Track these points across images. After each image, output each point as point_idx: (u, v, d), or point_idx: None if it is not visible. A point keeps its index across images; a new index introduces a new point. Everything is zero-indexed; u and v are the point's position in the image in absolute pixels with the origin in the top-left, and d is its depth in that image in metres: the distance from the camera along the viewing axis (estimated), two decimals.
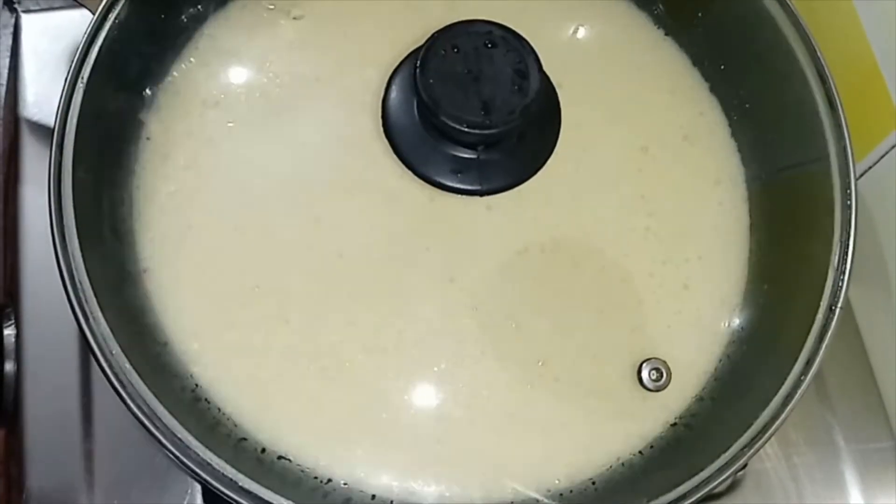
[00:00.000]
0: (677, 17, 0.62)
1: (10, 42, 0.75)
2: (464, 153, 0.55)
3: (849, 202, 0.54)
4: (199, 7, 0.59)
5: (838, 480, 0.68)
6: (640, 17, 0.62)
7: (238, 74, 0.58)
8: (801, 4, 0.58)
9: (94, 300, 0.50)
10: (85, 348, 0.62)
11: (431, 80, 0.52)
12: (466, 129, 0.52)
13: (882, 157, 0.67)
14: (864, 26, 0.68)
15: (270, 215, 0.55)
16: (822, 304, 0.53)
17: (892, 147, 0.66)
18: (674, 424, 0.55)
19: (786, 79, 0.58)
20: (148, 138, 0.56)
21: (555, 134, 0.57)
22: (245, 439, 0.52)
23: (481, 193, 0.55)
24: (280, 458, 0.51)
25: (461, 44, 0.53)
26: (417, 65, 0.53)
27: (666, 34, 0.62)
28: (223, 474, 0.48)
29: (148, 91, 0.57)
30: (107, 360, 0.49)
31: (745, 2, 0.59)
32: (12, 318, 0.66)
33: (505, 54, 0.53)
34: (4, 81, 0.75)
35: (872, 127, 0.67)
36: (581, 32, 0.62)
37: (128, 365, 0.49)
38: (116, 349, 0.49)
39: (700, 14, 0.61)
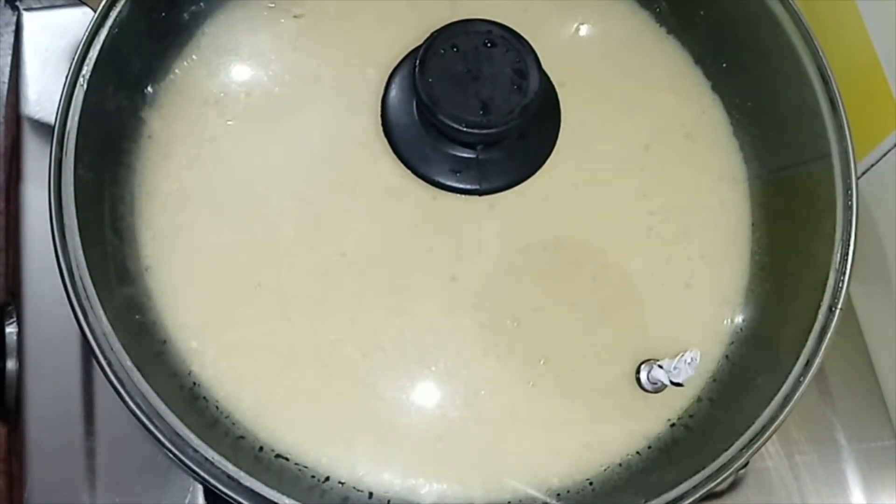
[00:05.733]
0: (679, 15, 0.62)
1: (11, 40, 0.75)
2: (463, 153, 0.55)
3: (850, 203, 0.54)
4: (201, 4, 0.59)
5: (840, 479, 0.68)
6: (642, 16, 0.62)
7: (239, 73, 0.58)
8: (804, 3, 0.58)
9: (95, 298, 0.50)
10: (86, 346, 0.62)
11: (430, 80, 0.52)
12: (465, 129, 0.52)
13: (883, 156, 0.67)
14: (866, 25, 0.68)
15: (271, 214, 0.55)
16: (822, 304, 0.53)
17: (894, 146, 0.66)
18: (673, 424, 0.54)
19: (788, 78, 0.58)
20: (149, 136, 0.56)
21: (555, 133, 0.57)
22: (243, 437, 0.52)
23: (480, 193, 0.55)
24: (278, 456, 0.51)
25: (460, 43, 0.53)
26: (417, 64, 0.53)
27: (668, 32, 0.62)
28: (221, 472, 0.48)
29: (149, 89, 0.57)
30: (106, 358, 0.49)
31: (748, 0, 0.59)
32: (14, 316, 0.67)
33: (504, 54, 0.53)
34: (6, 80, 0.75)
35: (874, 126, 0.67)
36: (583, 31, 0.62)
37: (128, 363, 0.49)
38: (117, 345, 0.49)
39: (702, 13, 0.61)
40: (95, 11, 0.54)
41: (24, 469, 0.64)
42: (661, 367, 0.53)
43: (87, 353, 0.65)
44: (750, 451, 0.50)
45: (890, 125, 0.66)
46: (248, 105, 0.57)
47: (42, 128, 0.72)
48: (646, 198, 0.58)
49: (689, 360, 0.51)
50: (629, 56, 0.62)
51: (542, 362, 0.54)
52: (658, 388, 0.54)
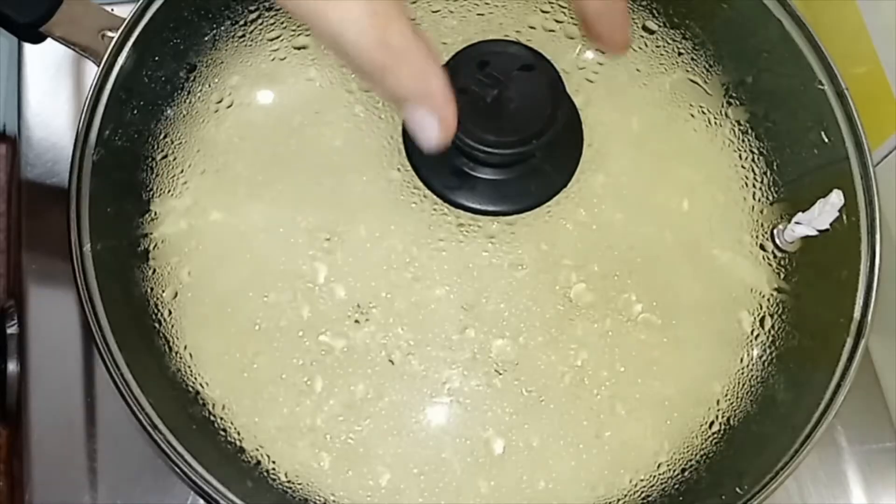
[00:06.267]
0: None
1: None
2: (485, 174, 0.54)
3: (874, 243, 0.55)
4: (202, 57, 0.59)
5: (841, 481, 0.69)
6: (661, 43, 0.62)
7: (252, 112, 0.58)
8: (804, 4, 0.58)
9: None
10: (88, 347, 0.62)
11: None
12: (489, 150, 0.50)
13: (884, 157, 0.67)
14: (867, 25, 0.68)
15: (283, 229, 0.55)
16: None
17: (895, 149, 0.66)
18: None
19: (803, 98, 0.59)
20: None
21: (577, 155, 0.56)
22: (243, 449, 0.52)
23: (504, 214, 0.54)
24: (275, 471, 0.52)
25: (485, 63, 0.52)
26: None
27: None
28: (217, 485, 0.49)
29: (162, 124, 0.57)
30: (111, 356, 0.50)
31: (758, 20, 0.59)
32: (15, 317, 0.67)
33: (530, 76, 0.52)
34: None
35: (875, 128, 0.67)
36: (604, 58, 0.60)
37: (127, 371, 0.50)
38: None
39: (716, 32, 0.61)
40: (98, 65, 0.55)
41: (25, 471, 0.64)
42: (799, 223, 0.54)
43: (89, 353, 0.66)
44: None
45: (891, 127, 0.66)
46: (265, 139, 0.57)
47: (42, 128, 0.71)
48: (671, 213, 0.58)
49: (833, 203, 0.52)
50: (650, 81, 0.61)
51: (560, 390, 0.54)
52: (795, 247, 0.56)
